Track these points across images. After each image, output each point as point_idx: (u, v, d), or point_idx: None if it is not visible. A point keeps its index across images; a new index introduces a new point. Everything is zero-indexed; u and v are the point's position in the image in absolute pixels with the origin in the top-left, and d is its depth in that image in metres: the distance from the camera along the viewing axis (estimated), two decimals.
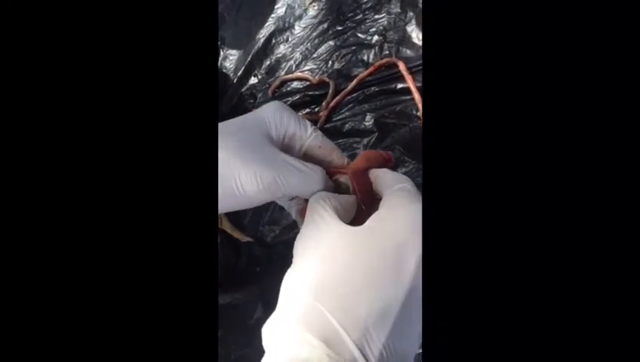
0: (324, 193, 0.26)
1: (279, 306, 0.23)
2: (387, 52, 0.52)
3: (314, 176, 0.26)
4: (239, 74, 0.64)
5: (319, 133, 0.29)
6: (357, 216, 0.27)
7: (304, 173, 0.26)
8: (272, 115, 0.28)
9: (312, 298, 0.21)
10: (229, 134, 0.26)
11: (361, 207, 0.28)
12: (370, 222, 0.24)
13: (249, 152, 0.25)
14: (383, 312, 0.20)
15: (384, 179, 0.27)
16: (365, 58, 0.54)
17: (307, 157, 0.29)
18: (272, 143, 0.27)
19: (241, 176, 0.24)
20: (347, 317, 0.20)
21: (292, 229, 0.48)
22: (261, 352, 0.44)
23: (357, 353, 0.19)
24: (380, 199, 0.27)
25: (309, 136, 0.28)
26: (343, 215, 0.25)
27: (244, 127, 0.27)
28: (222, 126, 0.26)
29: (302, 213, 0.31)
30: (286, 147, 0.28)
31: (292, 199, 0.31)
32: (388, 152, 0.31)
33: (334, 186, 0.29)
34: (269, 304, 0.45)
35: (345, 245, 0.23)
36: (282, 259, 0.47)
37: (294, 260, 0.24)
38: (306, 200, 0.31)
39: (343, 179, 0.29)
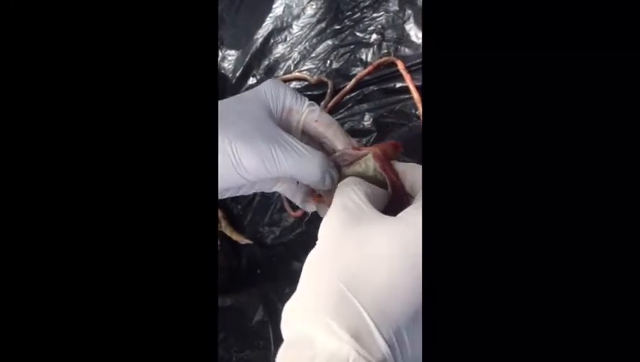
0: (355, 178, 0.26)
1: (303, 288, 0.21)
2: (386, 51, 0.52)
3: (311, 160, 0.25)
4: (237, 75, 0.63)
5: (317, 108, 0.28)
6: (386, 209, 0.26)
7: (302, 154, 0.25)
8: (269, 90, 0.27)
9: (344, 286, 0.19)
10: (229, 108, 0.25)
11: (391, 199, 0.26)
12: (408, 214, 0.22)
13: (248, 125, 0.25)
14: (416, 312, 0.19)
15: (417, 173, 0.26)
16: (364, 57, 0.53)
17: (305, 132, 0.28)
18: (272, 118, 0.26)
19: (239, 148, 0.24)
20: (380, 312, 0.18)
21: (292, 231, 0.48)
22: (262, 354, 0.44)
23: (388, 354, 0.18)
24: (406, 193, 0.26)
25: (304, 110, 0.28)
26: (374, 204, 0.24)
27: (243, 101, 0.27)
28: (221, 103, 0.26)
29: (312, 196, 0.30)
30: (284, 122, 0.28)
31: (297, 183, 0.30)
32: (395, 142, 0.29)
33: (362, 171, 0.27)
34: (269, 306, 0.45)
35: (382, 234, 0.21)
36: (282, 260, 0.47)
37: (321, 242, 0.23)
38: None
39: (370, 163, 0.27)
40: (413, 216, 0.22)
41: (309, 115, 0.28)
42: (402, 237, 0.21)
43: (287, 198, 0.49)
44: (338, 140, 0.28)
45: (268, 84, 0.28)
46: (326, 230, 0.23)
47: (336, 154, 0.28)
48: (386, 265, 0.20)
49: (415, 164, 0.27)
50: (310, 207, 0.31)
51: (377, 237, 0.21)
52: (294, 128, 0.28)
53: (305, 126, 0.28)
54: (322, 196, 0.29)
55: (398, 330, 0.18)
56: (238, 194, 0.28)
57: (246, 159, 0.24)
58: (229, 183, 0.25)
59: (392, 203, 0.26)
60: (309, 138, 0.29)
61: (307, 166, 0.25)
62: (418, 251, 0.20)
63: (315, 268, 0.22)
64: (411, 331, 0.19)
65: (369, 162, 0.27)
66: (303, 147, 0.26)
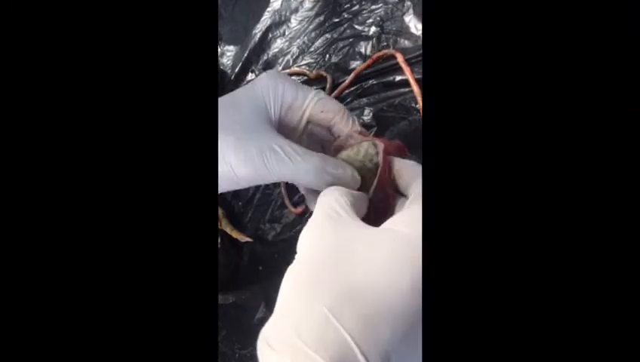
0: (339, 187, 0.24)
1: (280, 310, 0.19)
2: (385, 43, 0.51)
3: (304, 165, 0.24)
4: (236, 70, 0.63)
5: (322, 95, 0.27)
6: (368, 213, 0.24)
7: (295, 160, 0.24)
8: (267, 87, 0.26)
9: (326, 309, 0.17)
10: (224, 110, 0.25)
11: (372, 203, 0.25)
12: (399, 223, 0.20)
13: (241, 131, 0.24)
14: (406, 336, 0.17)
15: (414, 173, 0.24)
16: (363, 50, 0.53)
17: (311, 124, 0.28)
18: (268, 121, 0.26)
19: (232, 157, 0.24)
20: (368, 338, 0.17)
21: (293, 227, 0.48)
22: None
23: None
24: (395, 192, 0.24)
25: (309, 103, 0.27)
26: (358, 211, 0.23)
27: (239, 103, 0.26)
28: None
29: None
30: (286, 119, 0.27)
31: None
32: (398, 143, 0.27)
33: (353, 155, 0.26)
34: (271, 303, 0.45)
35: (368, 248, 0.19)
36: (284, 257, 0.47)
37: (299, 257, 0.21)
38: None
39: (371, 149, 0.26)
40: (405, 226, 0.20)
41: (315, 107, 0.27)
42: (393, 251, 0.19)
43: (287, 195, 0.49)
44: (346, 125, 0.27)
45: (264, 81, 0.26)
46: (305, 243, 0.21)
47: (342, 137, 0.27)
48: (375, 283, 0.18)
49: (415, 163, 0.25)
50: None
51: (365, 251, 0.19)
52: (296, 123, 0.28)
53: (311, 118, 0.27)
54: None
55: (386, 356, 0.17)
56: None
57: (239, 170, 0.24)
58: (223, 188, 0.25)
59: (375, 199, 0.25)
60: (318, 126, 0.28)
61: (300, 171, 0.24)
62: (410, 266, 0.18)
63: (294, 288, 0.19)
64: (400, 355, 0.17)
65: (361, 148, 0.26)
66: (296, 152, 0.24)
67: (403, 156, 0.27)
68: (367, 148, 0.26)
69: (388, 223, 0.21)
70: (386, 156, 0.26)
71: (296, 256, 0.21)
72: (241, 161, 0.24)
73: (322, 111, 0.27)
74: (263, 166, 0.24)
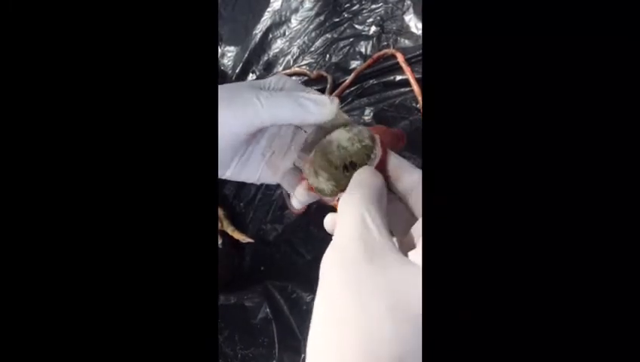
0: (365, 190, 0.21)
1: (318, 350, 0.18)
2: (385, 43, 0.51)
3: (283, 96, 0.25)
4: (237, 71, 0.63)
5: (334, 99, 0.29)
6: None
7: (278, 93, 0.26)
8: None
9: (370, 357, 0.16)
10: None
11: None
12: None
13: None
14: None
15: (415, 181, 0.23)
16: (363, 50, 0.53)
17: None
18: None
19: (223, 107, 0.25)
20: None
21: (295, 227, 0.48)
22: (266, 352, 0.44)
23: None
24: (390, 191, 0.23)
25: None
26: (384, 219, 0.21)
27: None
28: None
29: (300, 181, 0.27)
30: None
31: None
32: (398, 130, 0.27)
33: (345, 131, 0.25)
34: (273, 303, 0.45)
35: (416, 290, 0.17)
36: (286, 257, 0.47)
37: (332, 287, 0.18)
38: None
39: (365, 133, 0.25)
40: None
41: None
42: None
43: (288, 195, 0.49)
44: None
45: None
46: (331, 268, 0.19)
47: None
48: (415, 328, 0.17)
49: (414, 167, 0.24)
50: (299, 197, 0.29)
51: (412, 300, 0.17)
52: None
53: None
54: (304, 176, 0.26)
55: None
56: (234, 178, 0.29)
57: (234, 108, 0.25)
58: (224, 144, 0.26)
59: None
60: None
61: (278, 103, 0.25)
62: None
63: (332, 328, 0.18)
64: None
65: (354, 128, 0.25)
66: (278, 91, 0.26)
67: (400, 145, 0.26)
68: (361, 130, 0.25)
69: (416, 256, 0.19)
70: (385, 148, 0.24)
71: (326, 284, 0.19)
72: (240, 100, 0.25)
73: None
74: (254, 100, 0.25)
